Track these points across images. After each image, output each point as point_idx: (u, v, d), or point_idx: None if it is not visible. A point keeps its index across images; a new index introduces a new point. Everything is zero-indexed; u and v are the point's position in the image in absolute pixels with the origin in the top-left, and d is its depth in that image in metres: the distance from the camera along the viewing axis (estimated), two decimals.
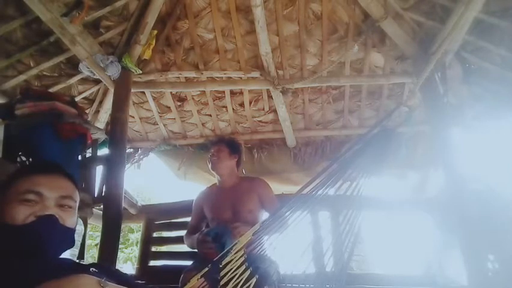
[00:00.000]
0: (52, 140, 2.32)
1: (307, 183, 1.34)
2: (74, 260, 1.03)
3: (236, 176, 2.38)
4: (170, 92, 3.91)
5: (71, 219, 0.97)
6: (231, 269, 0.97)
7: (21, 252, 0.86)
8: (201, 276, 0.98)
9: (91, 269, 0.92)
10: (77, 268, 0.92)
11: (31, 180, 0.93)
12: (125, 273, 1.07)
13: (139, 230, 3.72)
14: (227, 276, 0.95)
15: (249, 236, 1.07)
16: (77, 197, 1.02)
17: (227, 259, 1.00)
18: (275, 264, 1.76)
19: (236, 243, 1.05)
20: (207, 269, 0.98)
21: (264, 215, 2.23)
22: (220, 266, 1.00)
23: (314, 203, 1.24)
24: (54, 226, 0.92)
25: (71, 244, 0.98)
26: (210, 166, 2.36)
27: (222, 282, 0.94)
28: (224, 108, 4.14)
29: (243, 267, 0.98)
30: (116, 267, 1.02)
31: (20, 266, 0.81)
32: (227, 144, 2.40)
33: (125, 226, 7.07)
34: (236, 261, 0.98)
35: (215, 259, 1.02)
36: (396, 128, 1.61)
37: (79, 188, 1.04)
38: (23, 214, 0.88)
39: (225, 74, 3.63)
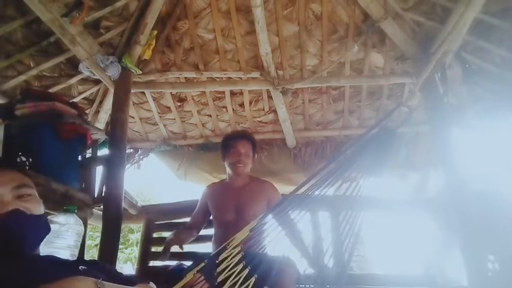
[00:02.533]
0: (52, 140, 2.32)
1: (306, 180, 1.34)
2: (61, 258, 1.01)
3: (247, 175, 2.26)
4: (170, 93, 3.91)
5: (36, 207, 0.94)
6: (228, 265, 0.96)
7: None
8: (197, 271, 0.97)
9: (80, 267, 0.91)
10: (67, 267, 0.92)
11: None
12: (113, 268, 1.06)
13: (139, 231, 3.72)
14: (224, 273, 0.95)
15: (246, 232, 1.06)
16: (31, 183, 0.98)
17: (223, 255, 0.99)
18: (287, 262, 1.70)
19: (233, 239, 1.05)
20: (203, 264, 0.97)
21: None
22: (217, 261, 0.99)
23: (313, 202, 1.24)
24: (23, 219, 0.89)
25: (46, 231, 0.96)
26: (233, 169, 2.18)
27: (219, 279, 0.94)
28: (224, 109, 4.14)
29: (241, 265, 0.97)
30: (104, 263, 1.01)
31: (8, 269, 0.80)
32: (253, 146, 2.24)
33: (125, 226, 7.07)
34: (233, 257, 0.98)
35: (211, 254, 1.02)
36: (396, 128, 1.61)
37: (28, 173, 1.00)
38: None
39: (225, 74, 3.63)
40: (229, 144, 2.23)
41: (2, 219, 0.86)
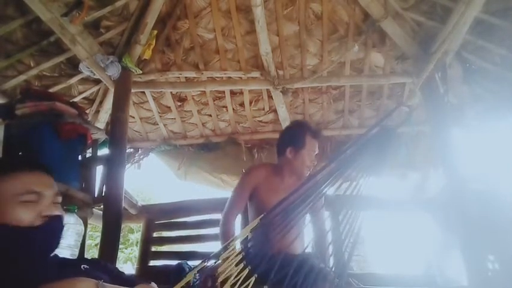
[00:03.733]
0: (52, 140, 2.32)
1: (306, 180, 1.34)
2: (63, 257, 1.03)
3: None
4: (171, 92, 3.91)
5: (63, 215, 0.99)
6: (229, 266, 0.96)
7: (32, 254, 0.86)
8: (197, 272, 0.97)
9: (82, 266, 0.92)
10: (69, 266, 0.92)
11: (24, 179, 0.91)
12: (116, 268, 1.07)
13: (139, 230, 3.72)
14: (225, 273, 0.95)
15: (247, 232, 1.06)
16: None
17: (224, 255, 0.99)
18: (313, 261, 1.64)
19: (233, 240, 1.05)
20: (204, 264, 0.98)
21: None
22: (218, 262, 0.99)
23: (314, 201, 1.24)
24: (62, 225, 0.95)
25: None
26: (302, 168, 1.97)
27: (219, 280, 0.94)
28: (224, 108, 4.14)
29: (241, 265, 0.97)
30: (107, 262, 1.06)
31: (11, 269, 0.81)
32: None
33: (125, 226, 7.07)
34: (234, 258, 0.98)
35: (211, 255, 1.02)
36: (396, 127, 1.61)
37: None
38: (28, 215, 0.87)
39: (225, 74, 3.63)
40: (311, 139, 2.00)
41: (49, 222, 0.90)
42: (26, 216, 0.87)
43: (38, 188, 0.91)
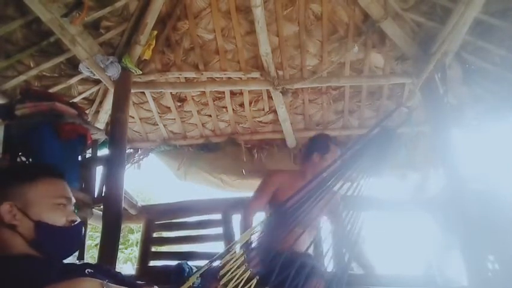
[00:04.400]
0: (52, 141, 2.32)
1: (307, 181, 1.34)
2: (67, 263, 1.05)
3: None
4: (170, 93, 3.91)
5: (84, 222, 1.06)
6: (231, 268, 0.97)
7: (64, 251, 0.96)
8: (200, 275, 0.98)
9: (86, 270, 0.93)
10: (73, 270, 0.93)
11: (57, 184, 0.99)
12: (119, 272, 1.09)
13: (139, 231, 3.72)
14: (227, 276, 0.95)
15: (248, 235, 1.06)
16: None
17: (226, 258, 1.00)
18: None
19: (234, 243, 1.05)
20: (206, 267, 0.98)
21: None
22: (220, 264, 1.00)
23: (315, 202, 1.24)
24: (82, 231, 1.03)
25: None
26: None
27: (221, 282, 0.94)
28: (224, 109, 4.14)
29: (243, 267, 0.97)
30: (110, 267, 1.13)
31: (15, 270, 0.83)
32: None
33: (125, 226, 7.06)
34: (235, 260, 0.98)
35: (214, 257, 1.02)
36: (396, 128, 1.61)
37: None
38: (61, 218, 0.95)
39: (225, 74, 3.63)
40: (334, 147, 2.23)
41: (77, 225, 0.98)
42: (59, 218, 0.94)
43: (67, 194, 1.00)
